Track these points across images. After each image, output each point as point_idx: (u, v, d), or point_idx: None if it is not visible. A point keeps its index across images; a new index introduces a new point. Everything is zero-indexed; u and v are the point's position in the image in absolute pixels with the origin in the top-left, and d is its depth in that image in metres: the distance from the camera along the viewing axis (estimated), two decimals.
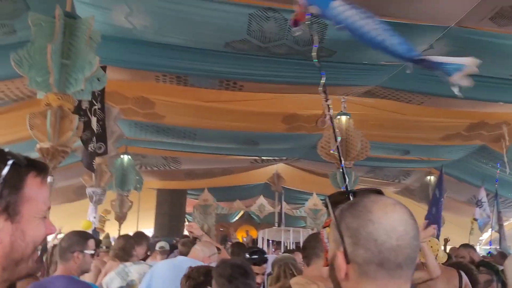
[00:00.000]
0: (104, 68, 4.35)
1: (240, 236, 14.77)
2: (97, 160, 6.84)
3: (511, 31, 4.52)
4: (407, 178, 11.85)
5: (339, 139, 2.15)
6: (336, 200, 1.02)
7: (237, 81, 5.76)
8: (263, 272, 2.82)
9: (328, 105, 2.18)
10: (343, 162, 2.11)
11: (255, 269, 2.85)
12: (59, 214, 9.37)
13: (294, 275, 2.46)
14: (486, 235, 10.62)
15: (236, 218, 17.33)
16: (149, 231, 14.42)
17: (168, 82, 5.96)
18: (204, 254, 2.81)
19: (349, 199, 0.94)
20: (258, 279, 2.75)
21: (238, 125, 7.63)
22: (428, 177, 10.70)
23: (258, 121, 7.52)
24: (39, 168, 0.87)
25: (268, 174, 13.00)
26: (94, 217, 6.64)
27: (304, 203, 14.15)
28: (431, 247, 3.13)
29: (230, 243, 7.71)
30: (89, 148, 4.78)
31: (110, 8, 4.45)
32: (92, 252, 2.33)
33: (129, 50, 5.08)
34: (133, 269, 3.13)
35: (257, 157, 11.33)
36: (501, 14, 4.13)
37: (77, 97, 4.09)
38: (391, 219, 0.84)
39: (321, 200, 14.16)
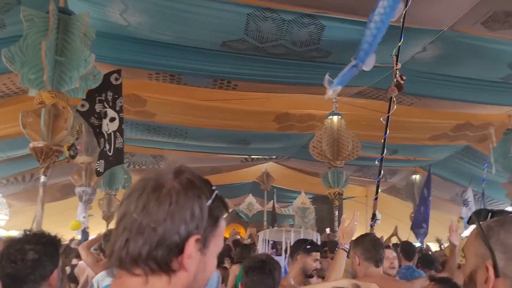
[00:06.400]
0: (119, 72, 4.39)
1: (227, 233, 14.72)
2: (87, 158, 6.75)
3: (502, 36, 4.62)
4: (393, 177, 12.01)
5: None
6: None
7: (231, 80, 5.73)
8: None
9: (396, 69, 2.82)
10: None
11: (316, 255, 3.01)
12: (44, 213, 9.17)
13: None
14: (467, 232, 10.84)
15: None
16: None
17: (161, 80, 5.90)
18: None
19: (486, 217, 0.98)
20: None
21: (229, 123, 7.60)
22: (414, 176, 10.86)
23: (250, 120, 7.51)
24: (227, 207, 0.86)
25: (257, 173, 13.01)
26: (84, 217, 6.53)
27: (292, 202, 14.19)
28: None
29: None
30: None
31: (105, 4, 4.37)
32: None
33: (123, 47, 5.00)
34: None
35: (247, 156, 11.32)
36: (494, 18, 4.21)
37: (71, 95, 4.02)
38: None
39: (309, 198, 14.23)
